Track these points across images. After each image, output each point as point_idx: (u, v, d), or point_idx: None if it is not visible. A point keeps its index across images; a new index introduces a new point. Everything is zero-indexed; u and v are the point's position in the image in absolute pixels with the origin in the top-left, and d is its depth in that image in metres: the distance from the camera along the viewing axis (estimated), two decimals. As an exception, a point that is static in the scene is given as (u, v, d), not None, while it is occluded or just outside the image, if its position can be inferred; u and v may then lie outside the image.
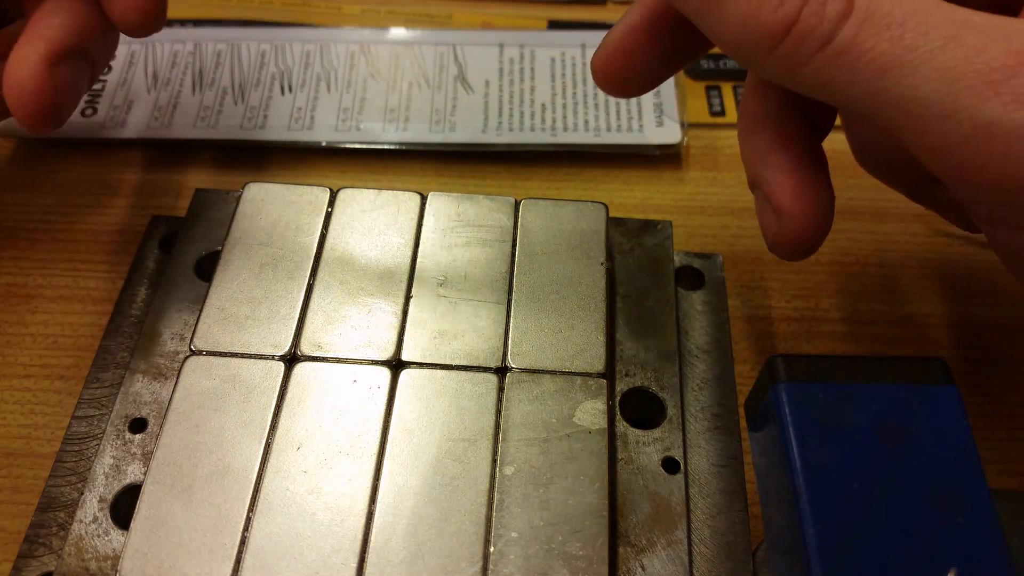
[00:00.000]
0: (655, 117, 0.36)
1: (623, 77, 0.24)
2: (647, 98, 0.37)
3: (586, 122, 0.36)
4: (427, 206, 0.28)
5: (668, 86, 0.37)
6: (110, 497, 0.24)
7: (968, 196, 0.20)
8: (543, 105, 0.36)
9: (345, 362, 0.25)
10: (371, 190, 0.29)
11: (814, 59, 0.18)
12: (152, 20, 0.25)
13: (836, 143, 0.26)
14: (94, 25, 0.25)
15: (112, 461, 0.25)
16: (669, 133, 0.35)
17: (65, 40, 0.24)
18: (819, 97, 0.20)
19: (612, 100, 0.37)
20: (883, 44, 0.18)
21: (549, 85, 0.37)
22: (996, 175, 0.18)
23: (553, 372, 0.25)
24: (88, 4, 0.24)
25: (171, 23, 0.39)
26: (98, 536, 0.23)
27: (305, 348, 0.25)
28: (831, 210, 0.22)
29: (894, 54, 0.18)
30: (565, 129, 0.36)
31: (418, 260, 0.27)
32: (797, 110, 0.23)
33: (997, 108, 0.17)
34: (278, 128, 0.35)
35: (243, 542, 0.22)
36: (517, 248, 0.27)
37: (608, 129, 0.36)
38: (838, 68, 0.18)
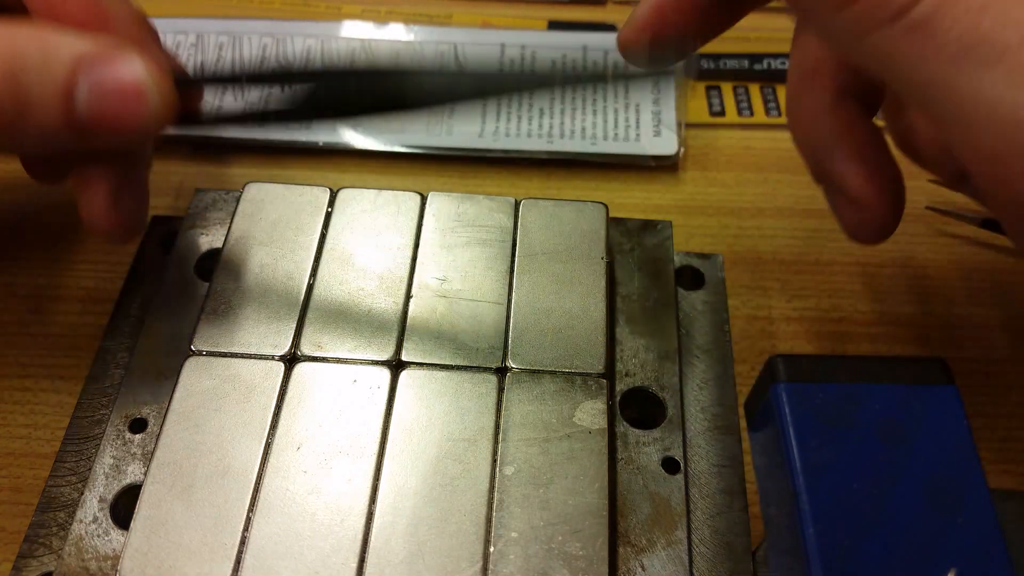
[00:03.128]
0: (652, 127, 0.36)
1: (659, 42, 0.23)
2: (646, 105, 0.36)
3: (583, 129, 0.36)
4: (427, 206, 0.28)
5: (668, 92, 0.37)
6: (110, 497, 0.24)
7: (1012, 212, 0.18)
8: (541, 110, 0.36)
9: (345, 362, 0.25)
10: (371, 190, 0.29)
11: (882, 30, 0.16)
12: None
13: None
14: (145, 161, 0.27)
15: (112, 461, 0.25)
16: (666, 144, 0.35)
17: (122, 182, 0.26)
18: (873, 71, 0.18)
19: (610, 107, 0.36)
20: (958, 28, 0.16)
21: (548, 89, 0.37)
22: None
23: (553, 372, 0.25)
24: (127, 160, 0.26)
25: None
26: (98, 536, 0.23)
27: (305, 348, 0.25)
28: (903, 188, 0.22)
29: (968, 43, 0.16)
30: (562, 136, 0.36)
31: (418, 260, 0.27)
32: (853, 95, 0.22)
33: None
34: (278, 127, 0.35)
35: (243, 542, 0.22)
36: (517, 248, 0.27)
37: (605, 138, 0.35)
38: (906, 45, 0.16)
